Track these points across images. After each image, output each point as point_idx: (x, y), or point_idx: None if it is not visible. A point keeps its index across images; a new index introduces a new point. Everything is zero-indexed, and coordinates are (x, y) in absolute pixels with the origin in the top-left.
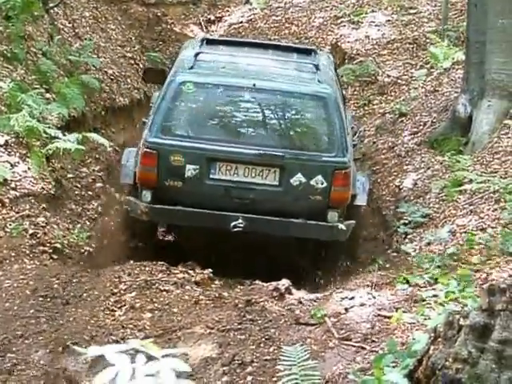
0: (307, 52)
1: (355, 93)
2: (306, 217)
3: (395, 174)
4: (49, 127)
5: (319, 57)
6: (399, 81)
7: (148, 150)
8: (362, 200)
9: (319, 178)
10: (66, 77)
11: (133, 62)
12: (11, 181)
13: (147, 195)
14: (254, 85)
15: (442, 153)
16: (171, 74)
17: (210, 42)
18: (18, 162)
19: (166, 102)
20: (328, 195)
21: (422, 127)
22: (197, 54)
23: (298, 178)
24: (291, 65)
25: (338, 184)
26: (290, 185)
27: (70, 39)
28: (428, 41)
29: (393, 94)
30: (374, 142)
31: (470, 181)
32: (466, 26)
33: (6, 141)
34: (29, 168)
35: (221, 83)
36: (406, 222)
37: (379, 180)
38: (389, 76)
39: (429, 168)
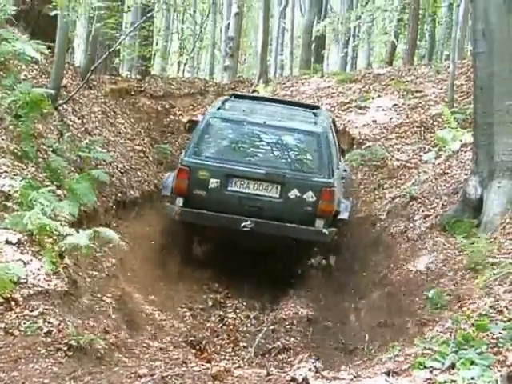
0: (313, 107)
1: (365, 177)
2: (299, 222)
3: (408, 258)
4: (61, 224)
5: (320, 110)
6: (408, 164)
7: (183, 166)
8: (344, 215)
9: (310, 193)
10: (77, 173)
11: (142, 154)
12: (24, 279)
13: (180, 201)
14: (265, 122)
15: (455, 235)
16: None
17: (238, 97)
18: (31, 260)
19: (198, 132)
20: (316, 207)
21: (433, 210)
22: (224, 101)
23: (294, 193)
24: (296, 112)
25: (324, 199)
26: (288, 197)
27: (79, 135)
28: (435, 123)
29: (402, 177)
30: (386, 227)
31: (484, 263)
32: (473, 109)
33: (19, 239)
34: (42, 266)
35: (239, 119)
36: (422, 305)
37: (392, 265)
38: (398, 160)
39: (442, 251)
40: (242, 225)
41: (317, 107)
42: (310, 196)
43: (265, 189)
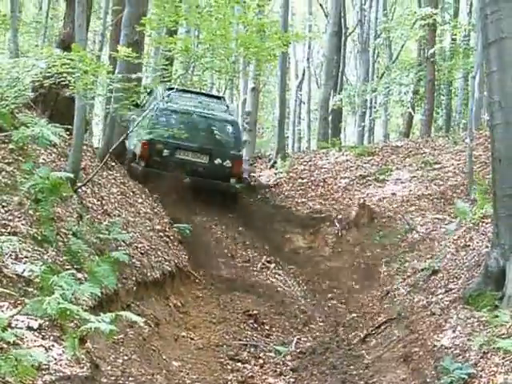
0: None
1: (386, 252)
2: (220, 179)
3: (432, 332)
4: (82, 308)
5: (226, 102)
6: (429, 237)
7: (145, 141)
8: (246, 175)
9: (228, 161)
10: (97, 255)
11: (162, 234)
12: (46, 365)
13: (142, 163)
14: (195, 111)
15: (478, 309)
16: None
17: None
18: (53, 345)
19: (151, 119)
20: (231, 170)
21: (455, 284)
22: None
23: (218, 160)
24: (215, 106)
25: (237, 165)
26: (214, 163)
27: (99, 217)
28: (455, 195)
29: (423, 250)
30: (409, 301)
31: (509, 336)
32: (492, 181)
33: (40, 324)
34: (63, 351)
35: (178, 109)
36: (448, 381)
37: (415, 340)
38: (418, 232)
39: (466, 325)
40: (184, 181)
41: (223, 98)
42: (227, 163)
43: (199, 157)
